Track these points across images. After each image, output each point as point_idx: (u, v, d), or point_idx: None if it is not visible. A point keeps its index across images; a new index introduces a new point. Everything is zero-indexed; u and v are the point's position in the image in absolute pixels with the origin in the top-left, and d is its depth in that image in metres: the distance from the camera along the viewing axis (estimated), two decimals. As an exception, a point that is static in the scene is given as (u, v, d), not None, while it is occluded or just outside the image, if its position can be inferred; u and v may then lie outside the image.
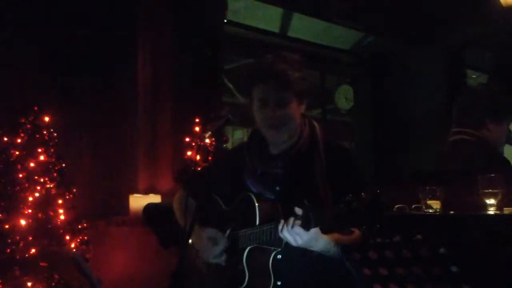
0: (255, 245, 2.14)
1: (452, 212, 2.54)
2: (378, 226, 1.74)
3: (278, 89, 2.19)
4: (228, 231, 2.31)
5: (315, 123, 2.32)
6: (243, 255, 2.17)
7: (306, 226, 1.93)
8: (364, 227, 1.77)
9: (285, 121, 2.20)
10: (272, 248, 2.10)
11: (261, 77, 2.22)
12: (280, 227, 2.00)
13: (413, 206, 2.70)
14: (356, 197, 1.79)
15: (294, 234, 1.97)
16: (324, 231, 2.02)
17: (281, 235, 2.01)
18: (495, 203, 2.43)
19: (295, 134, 2.26)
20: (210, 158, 4.39)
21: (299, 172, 2.23)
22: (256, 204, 2.18)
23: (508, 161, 2.96)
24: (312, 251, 2.07)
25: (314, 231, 1.96)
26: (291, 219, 1.98)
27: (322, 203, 2.09)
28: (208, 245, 2.29)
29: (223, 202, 2.39)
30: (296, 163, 2.24)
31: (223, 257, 2.28)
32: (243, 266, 2.17)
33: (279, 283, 2.10)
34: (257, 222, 2.15)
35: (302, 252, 2.08)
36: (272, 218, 2.10)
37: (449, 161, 2.96)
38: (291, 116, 2.21)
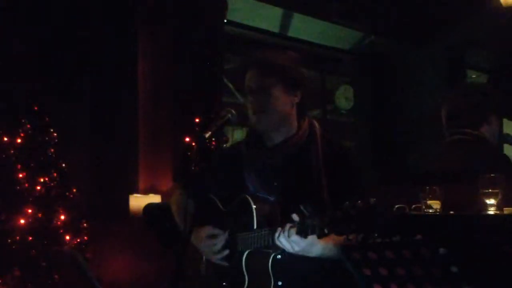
0: (254, 248, 2.13)
1: (452, 212, 2.54)
2: (375, 234, 1.74)
3: (259, 74, 2.20)
4: (226, 233, 2.28)
5: (315, 122, 2.30)
6: (242, 258, 2.16)
7: (303, 234, 1.92)
8: (361, 235, 1.77)
9: (265, 108, 2.18)
10: (271, 250, 2.08)
11: (248, 65, 2.25)
12: (276, 234, 1.99)
13: (413, 206, 2.70)
14: (352, 205, 1.77)
15: (291, 242, 1.97)
16: (320, 236, 2.00)
17: (277, 243, 2.00)
18: (495, 203, 2.43)
19: (286, 125, 2.23)
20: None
21: (297, 165, 2.20)
22: (253, 207, 2.15)
23: (507, 157, 2.96)
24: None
25: (311, 237, 1.93)
26: (288, 226, 1.96)
27: (320, 201, 2.08)
28: (208, 242, 2.27)
29: (221, 203, 2.36)
30: (294, 156, 2.22)
31: (225, 253, 2.25)
32: (243, 269, 2.15)
33: (279, 283, 2.09)
34: (255, 226, 2.14)
35: None
36: (270, 220, 2.09)
37: (447, 162, 2.96)
38: (273, 104, 2.18)
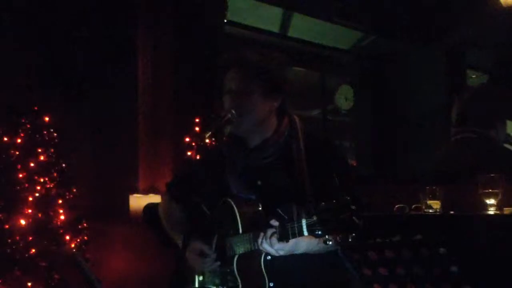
0: (242, 252, 2.11)
1: (452, 212, 2.54)
2: (353, 234, 1.72)
3: (239, 77, 2.17)
4: (215, 237, 2.26)
5: (296, 118, 2.27)
6: (233, 262, 2.14)
7: (285, 239, 1.91)
8: (339, 236, 1.75)
9: (242, 111, 2.15)
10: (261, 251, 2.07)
11: (229, 64, 2.23)
12: (259, 240, 1.99)
13: (413, 206, 2.71)
14: (327, 206, 1.75)
15: (274, 248, 1.97)
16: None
17: (261, 248, 2.00)
18: (495, 203, 2.44)
19: (264, 127, 2.21)
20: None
21: (279, 163, 2.18)
22: (237, 211, 2.14)
23: None
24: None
25: (294, 240, 1.93)
26: (269, 233, 1.95)
27: (303, 197, 2.06)
28: (197, 260, 2.24)
29: (206, 206, 2.34)
30: (275, 154, 2.20)
31: (217, 264, 2.22)
32: (235, 273, 2.13)
33: (271, 284, 2.07)
34: (241, 231, 2.12)
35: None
36: (255, 222, 2.08)
37: (454, 160, 2.98)
38: (250, 109, 2.16)
